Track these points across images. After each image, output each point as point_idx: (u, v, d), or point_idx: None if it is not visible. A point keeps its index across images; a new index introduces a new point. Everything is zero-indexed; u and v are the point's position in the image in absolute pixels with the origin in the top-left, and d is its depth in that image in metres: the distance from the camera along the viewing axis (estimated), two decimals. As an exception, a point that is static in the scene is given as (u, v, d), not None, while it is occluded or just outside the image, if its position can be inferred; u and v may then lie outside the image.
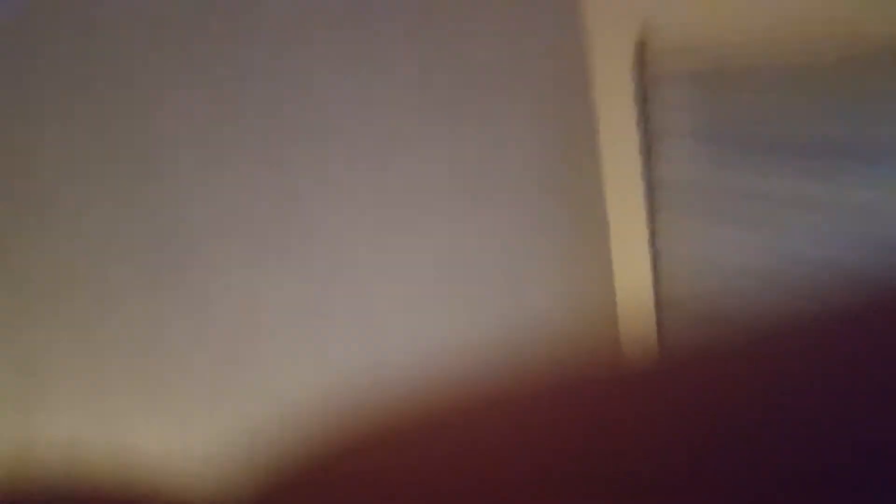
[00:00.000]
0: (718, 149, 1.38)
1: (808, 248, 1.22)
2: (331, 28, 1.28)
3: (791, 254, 1.25)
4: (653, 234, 1.51)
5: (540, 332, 1.62)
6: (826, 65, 1.09)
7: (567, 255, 1.64)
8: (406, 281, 1.45)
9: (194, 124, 1.19)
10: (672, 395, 0.19)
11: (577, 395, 0.20)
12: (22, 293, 1.13)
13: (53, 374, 1.22)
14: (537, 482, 0.17)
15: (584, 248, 1.67)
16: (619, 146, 1.55)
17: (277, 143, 1.27)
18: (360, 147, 1.35)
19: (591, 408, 0.19)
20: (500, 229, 1.54)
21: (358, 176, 1.36)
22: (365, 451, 0.19)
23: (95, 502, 0.19)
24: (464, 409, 0.20)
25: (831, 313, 0.20)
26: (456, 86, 1.42)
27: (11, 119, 1.09)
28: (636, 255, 1.59)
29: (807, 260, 1.22)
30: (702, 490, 0.16)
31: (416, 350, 1.49)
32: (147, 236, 1.20)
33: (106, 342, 1.20)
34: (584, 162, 1.62)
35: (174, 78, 1.16)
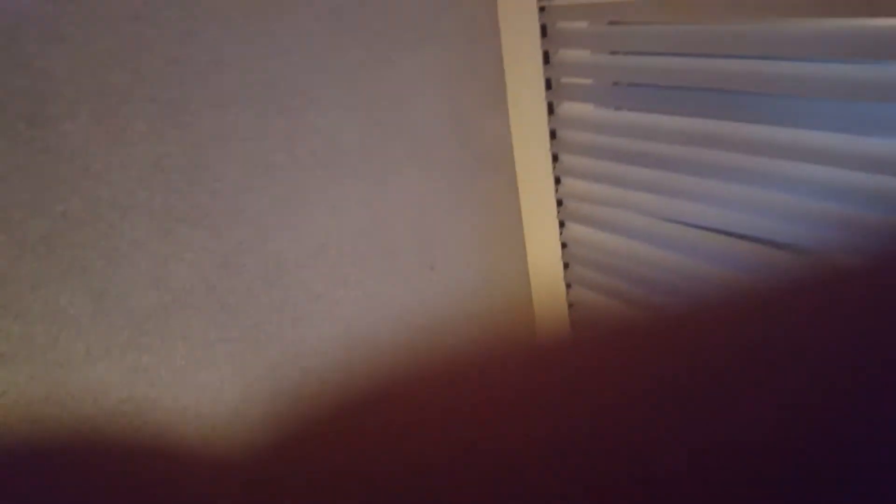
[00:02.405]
0: (618, 95, 1.45)
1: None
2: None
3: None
4: (557, 178, 1.59)
5: (453, 307, 1.65)
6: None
7: (478, 197, 1.70)
8: (317, 252, 1.47)
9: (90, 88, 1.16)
10: (584, 372, 0.19)
11: (489, 372, 0.20)
12: None
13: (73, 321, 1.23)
14: (449, 459, 0.17)
15: (494, 191, 1.73)
16: (524, 92, 1.62)
17: (181, 107, 1.25)
18: (269, 109, 1.35)
19: (504, 385, 0.19)
20: (413, 195, 1.58)
21: (267, 138, 1.36)
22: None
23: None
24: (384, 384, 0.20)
25: (739, 286, 0.21)
26: (365, 41, 1.43)
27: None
28: (541, 193, 1.67)
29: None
30: (613, 471, 0.15)
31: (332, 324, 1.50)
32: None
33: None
34: (493, 110, 1.67)
35: (68, 30, 1.12)
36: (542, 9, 1.43)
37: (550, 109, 1.52)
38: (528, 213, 1.76)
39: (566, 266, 1.66)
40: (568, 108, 1.52)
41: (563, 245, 1.64)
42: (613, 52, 1.41)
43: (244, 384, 1.41)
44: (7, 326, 1.20)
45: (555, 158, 1.56)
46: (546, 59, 1.48)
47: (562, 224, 1.62)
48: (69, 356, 1.26)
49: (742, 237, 1.25)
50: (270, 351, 1.45)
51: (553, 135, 1.54)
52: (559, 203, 1.60)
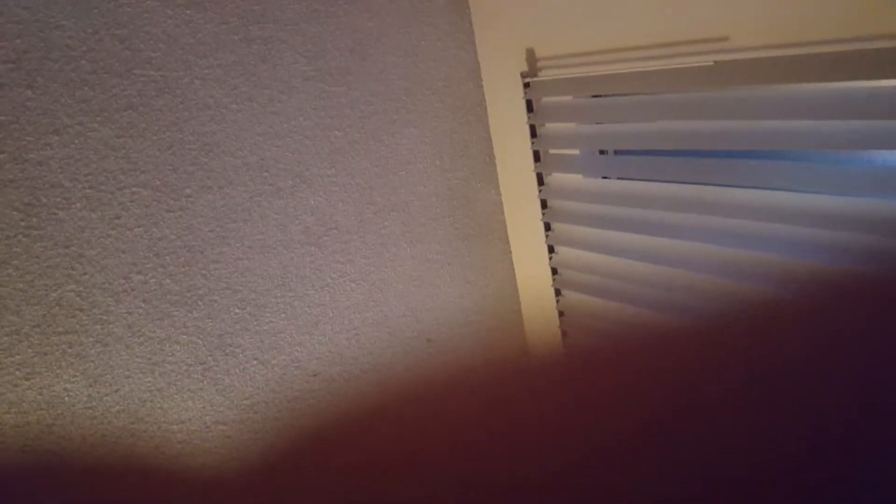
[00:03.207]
0: (605, 164, 1.49)
1: (692, 250, 1.32)
2: (226, 61, 1.30)
3: (675, 256, 1.34)
4: (550, 247, 1.61)
5: (451, 335, 1.65)
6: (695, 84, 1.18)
7: (473, 269, 1.72)
8: (311, 329, 1.46)
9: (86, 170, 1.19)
10: (573, 389, 0.19)
11: (485, 389, 0.20)
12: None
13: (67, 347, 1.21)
14: (445, 471, 0.17)
15: (488, 262, 1.74)
16: (514, 165, 1.66)
17: (175, 192, 1.27)
18: (262, 190, 1.37)
19: (498, 401, 0.19)
20: (407, 269, 1.59)
21: (260, 219, 1.38)
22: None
23: (107, 469, 0.20)
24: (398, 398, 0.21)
25: (718, 314, 0.22)
26: (357, 122, 1.47)
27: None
28: (536, 262, 1.69)
29: (693, 260, 1.31)
30: (603, 484, 0.16)
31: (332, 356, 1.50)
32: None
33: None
34: (484, 184, 1.70)
35: (62, 121, 1.16)
36: (526, 85, 1.47)
37: (540, 180, 1.55)
38: (523, 282, 1.76)
39: (564, 335, 1.65)
40: (557, 178, 1.54)
41: (561, 313, 1.63)
42: (598, 123, 1.44)
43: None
44: (1, 416, 1.19)
45: (547, 227, 1.58)
46: (533, 132, 1.51)
47: (558, 292, 1.62)
48: (64, 445, 1.25)
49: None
50: (267, 431, 1.43)
51: (544, 205, 1.56)
52: (554, 271, 1.61)
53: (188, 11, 1.24)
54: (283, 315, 1.42)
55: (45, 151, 1.13)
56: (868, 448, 0.16)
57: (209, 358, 1.35)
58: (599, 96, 1.41)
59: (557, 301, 1.63)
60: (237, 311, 1.36)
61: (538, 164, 1.53)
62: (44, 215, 1.15)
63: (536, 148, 1.52)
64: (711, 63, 1.12)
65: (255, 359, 1.40)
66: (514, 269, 1.77)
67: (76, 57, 1.15)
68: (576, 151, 1.50)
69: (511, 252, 1.76)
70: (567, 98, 1.45)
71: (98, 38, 1.16)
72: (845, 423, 0.16)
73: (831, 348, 0.18)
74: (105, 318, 1.23)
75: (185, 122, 1.26)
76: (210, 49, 1.27)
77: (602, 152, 1.49)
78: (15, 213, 1.12)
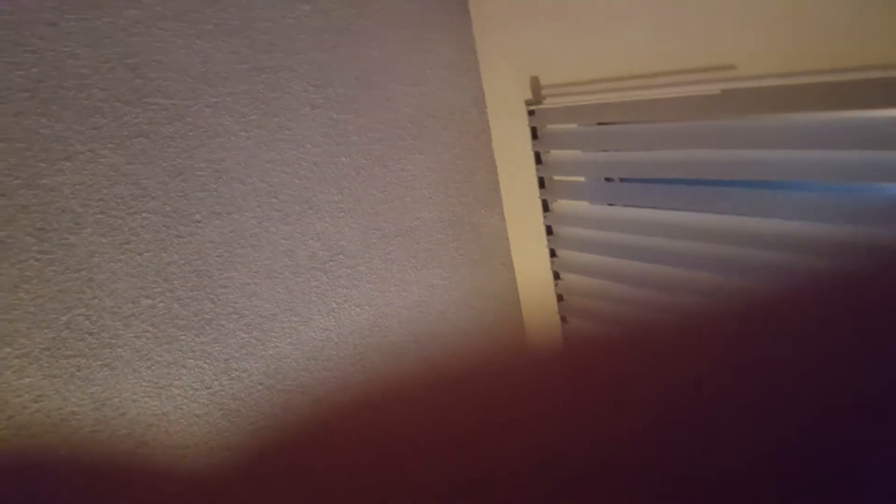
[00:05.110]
0: (610, 191, 1.50)
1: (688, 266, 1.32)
2: (235, 89, 1.33)
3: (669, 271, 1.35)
4: (555, 274, 1.62)
5: (453, 333, 1.65)
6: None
7: (478, 295, 1.73)
8: (317, 354, 1.47)
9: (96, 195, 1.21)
10: (571, 382, 0.20)
11: (484, 382, 0.21)
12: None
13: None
14: (445, 466, 0.18)
15: (493, 288, 1.76)
16: (519, 191, 1.68)
17: (184, 217, 1.29)
18: (270, 216, 1.39)
19: (497, 393, 0.20)
20: (412, 295, 1.61)
21: (268, 244, 1.39)
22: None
23: (112, 493, 0.20)
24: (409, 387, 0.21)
25: (713, 313, 0.22)
26: (364, 148, 1.50)
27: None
28: (540, 289, 1.70)
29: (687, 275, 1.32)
30: (602, 478, 0.16)
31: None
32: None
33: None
34: (489, 210, 1.73)
35: (75, 148, 1.18)
36: (531, 112, 1.49)
37: (545, 207, 1.56)
38: (527, 309, 1.77)
39: (569, 361, 1.65)
40: (562, 205, 1.55)
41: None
42: (604, 151, 1.45)
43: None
44: (9, 439, 1.20)
45: (552, 254, 1.59)
46: (538, 159, 1.52)
47: (563, 319, 1.63)
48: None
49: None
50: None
51: (549, 231, 1.57)
52: (560, 298, 1.61)
53: (199, 41, 1.27)
54: (289, 340, 1.43)
55: (58, 177, 1.15)
56: (864, 449, 0.16)
57: (215, 382, 1.35)
58: (605, 124, 1.42)
59: (563, 328, 1.63)
60: (243, 335, 1.37)
61: (543, 190, 1.54)
62: (55, 240, 1.16)
63: (541, 175, 1.53)
64: (719, 92, 1.14)
65: (261, 384, 1.40)
66: (518, 296, 1.77)
67: (89, 85, 1.17)
68: (581, 178, 1.51)
69: (516, 278, 1.76)
70: (572, 125, 1.46)
71: (110, 66, 1.19)
72: (851, 416, 0.16)
73: (832, 344, 0.19)
74: (113, 341, 1.24)
75: (195, 149, 1.28)
76: (220, 78, 1.30)
77: (608, 179, 1.50)
78: (28, 237, 1.14)
